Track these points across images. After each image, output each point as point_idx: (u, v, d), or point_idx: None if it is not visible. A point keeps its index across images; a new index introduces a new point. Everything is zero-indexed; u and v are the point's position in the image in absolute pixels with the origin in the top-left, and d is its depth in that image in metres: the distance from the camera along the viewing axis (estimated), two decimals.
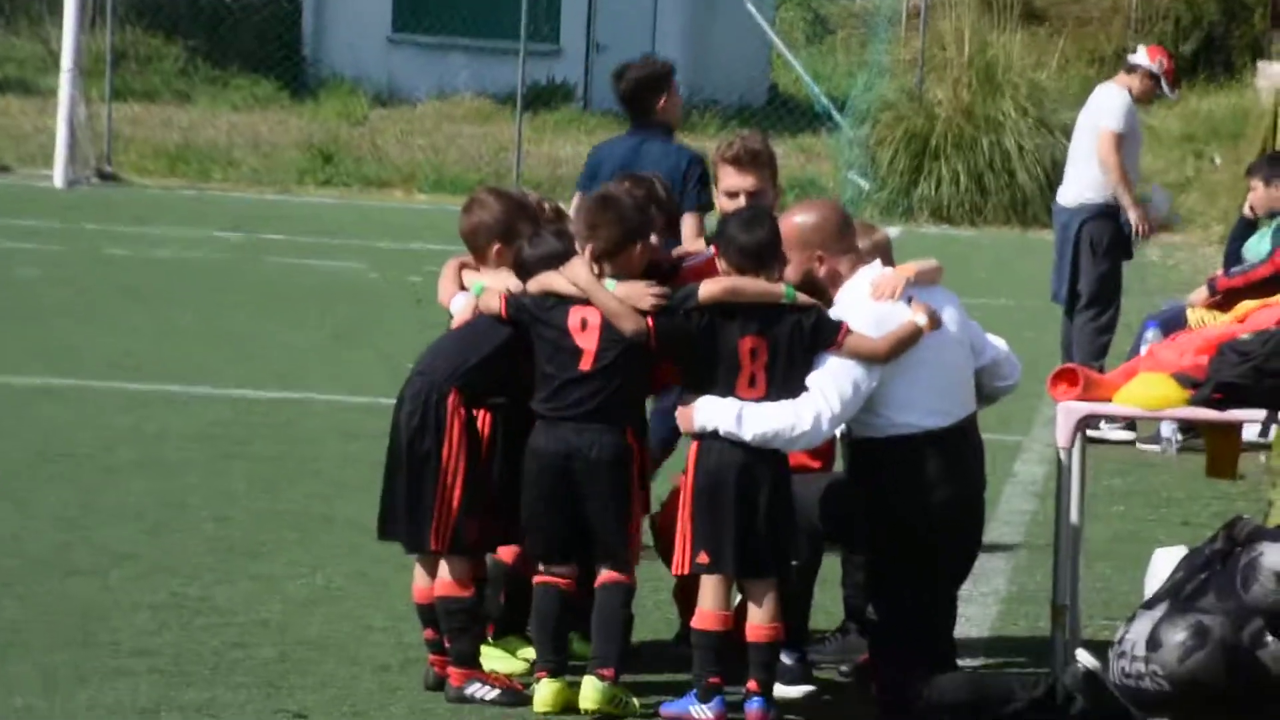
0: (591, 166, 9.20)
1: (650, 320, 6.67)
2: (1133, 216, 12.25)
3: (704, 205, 8.79)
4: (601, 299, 6.67)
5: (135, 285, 16.98)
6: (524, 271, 6.88)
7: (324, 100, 30.33)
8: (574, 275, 6.73)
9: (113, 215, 22.00)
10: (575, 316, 6.73)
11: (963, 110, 24.03)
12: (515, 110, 26.48)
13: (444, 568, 6.81)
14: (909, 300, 6.79)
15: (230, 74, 31.48)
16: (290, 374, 13.23)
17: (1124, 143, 12.27)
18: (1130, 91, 12.41)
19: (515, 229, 6.99)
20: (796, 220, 6.90)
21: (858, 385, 6.67)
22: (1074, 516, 7.12)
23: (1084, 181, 12.43)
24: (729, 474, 6.60)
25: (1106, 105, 12.44)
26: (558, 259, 6.82)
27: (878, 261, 6.95)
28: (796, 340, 6.65)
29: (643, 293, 6.69)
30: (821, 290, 6.83)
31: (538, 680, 6.70)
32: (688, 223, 8.65)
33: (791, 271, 6.82)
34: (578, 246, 6.81)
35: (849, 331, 6.68)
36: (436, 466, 6.77)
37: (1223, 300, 11.43)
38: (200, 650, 7.24)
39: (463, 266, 7.15)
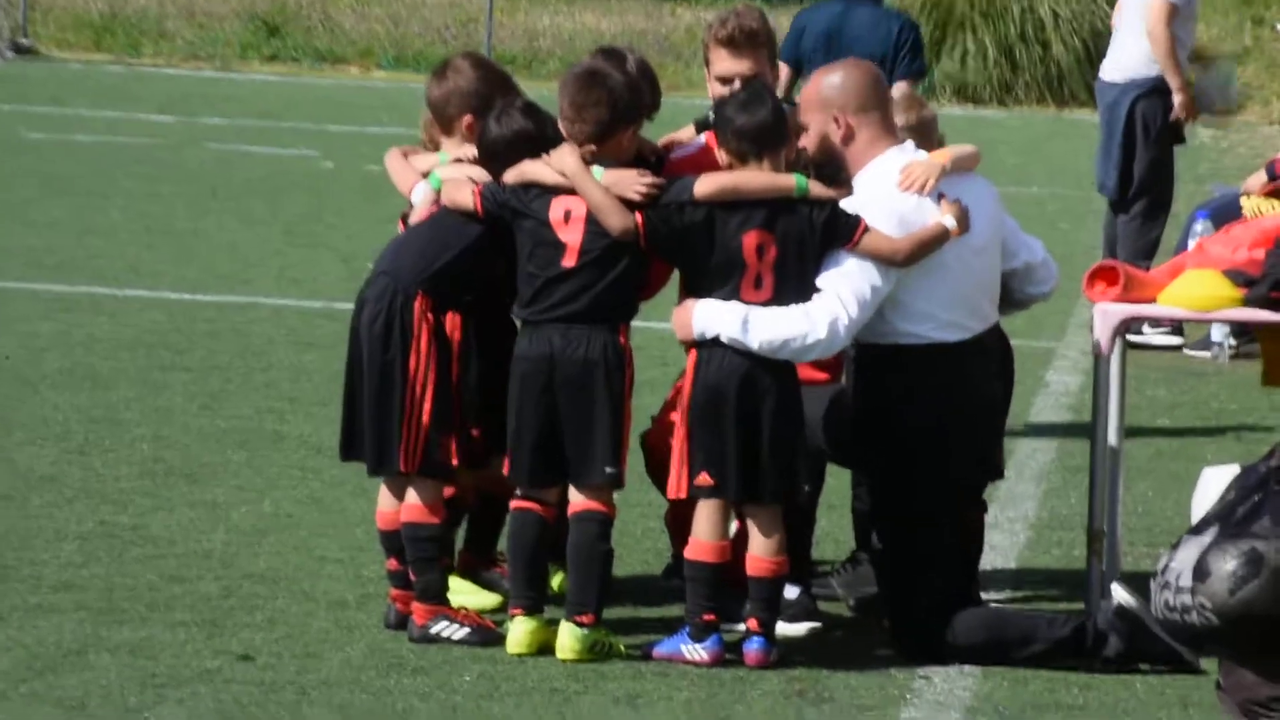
0: (795, 33, 9.95)
1: (640, 215, 6.68)
2: (1176, 100, 12.16)
3: (917, 72, 9.65)
4: (589, 190, 6.67)
5: (57, 174, 16.97)
6: (490, 152, 6.86)
7: None
8: (561, 163, 6.73)
9: (30, 94, 21.95)
10: (558, 208, 6.74)
11: None
12: None
13: (411, 491, 6.85)
14: (939, 196, 6.79)
15: None
16: (235, 275, 13.25)
17: (1177, 13, 12.18)
18: None
19: (492, 100, 6.99)
20: (820, 80, 6.91)
21: (876, 288, 6.70)
22: (1112, 432, 7.16)
23: (1133, 54, 12.34)
24: (731, 386, 6.62)
25: None
26: (528, 141, 6.81)
27: (910, 143, 6.95)
28: (808, 237, 6.66)
29: (632, 182, 6.69)
30: (840, 165, 6.82)
31: (512, 618, 6.74)
32: (899, 90, 9.01)
33: (809, 137, 6.81)
34: (562, 129, 6.79)
35: (866, 229, 6.69)
36: (403, 377, 6.80)
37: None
38: (133, 584, 7.28)
39: (405, 154, 7.15)
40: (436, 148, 7.18)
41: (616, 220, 6.67)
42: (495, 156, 6.84)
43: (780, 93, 9.98)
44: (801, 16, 10.21)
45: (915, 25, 10.04)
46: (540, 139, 6.81)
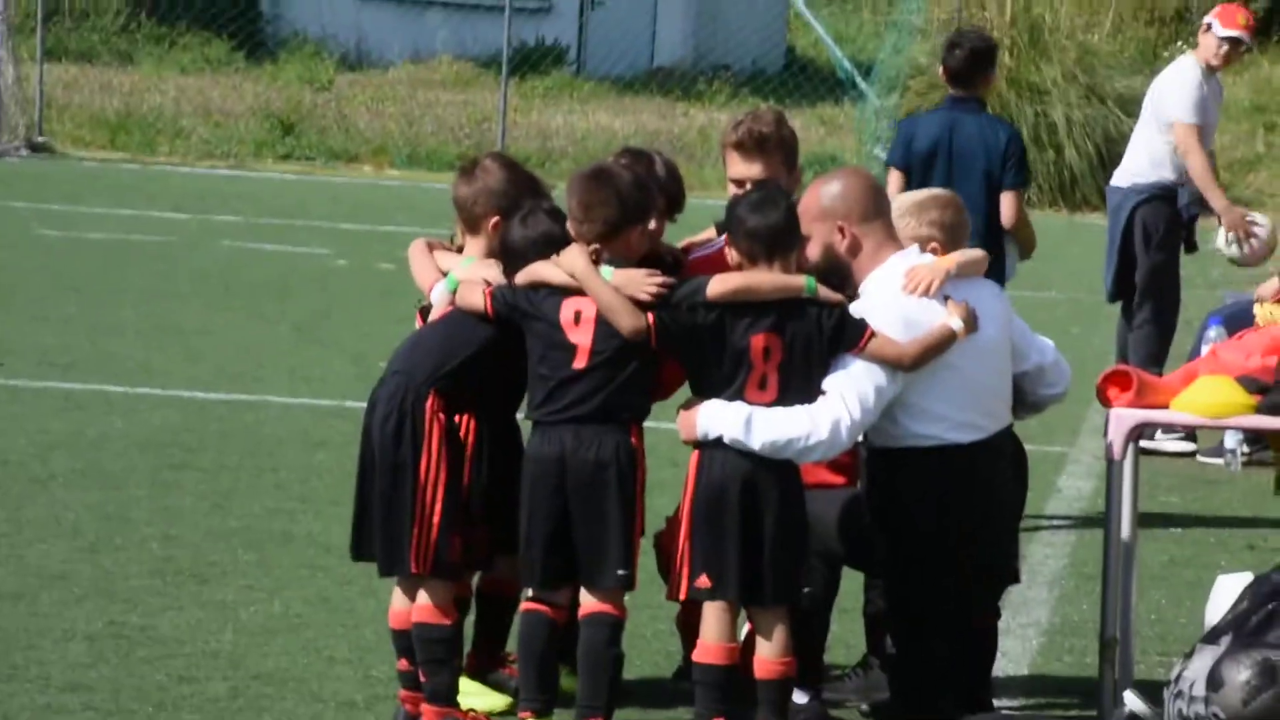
0: (904, 140, 10.39)
1: (650, 316, 6.70)
2: (1224, 219, 12.20)
3: (1022, 183, 10.14)
4: (598, 291, 6.69)
5: (70, 271, 17.02)
6: (512, 255, 6.88)
7: (284, 63, 30.39)
8: (569, 263, 6.76)
9: (44, 191, 22.03)
10: (569, 309, 6.76)
11: (1005, 76, 24.07)
12: (500, 75, 26.52)
13: (423, 593, 6.85)
14: (945, 299, 6.81)
15: (178, 32, 31.54)
16: (246, 374, 13.27)
17: (1203, 132, 12.23)
18: (1206, 64, 12.34)
19: (519, 202, 7.00)
20: (820, 189, 6.93)
21: (880, 390, 6.71)
22: (1125, 538, 7.16)
23: (1139, 159, 12.42)
24: (733, 487, 6.64)
25: (1176, 87, 12.33)
26: (553, 244, 6.83)
27: (915, 248, 6.98)
28: (815, 340, 6.68)
29: (642, 282, 6.71)
30: (845, 271, 6.85)
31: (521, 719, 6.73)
32: (1007, 201, 10.09)
33: (813, 248, 6.84)
34: (570, 229, 6.82)
35: (873, 334, 6.71)
36: (414, 478, 6.81)
37: None
38: (141, 685, 7.27)
39: (430, 247, 7.18)
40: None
41: (627, 320, 6.68)
42: (518, 259, 6.86)
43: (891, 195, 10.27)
44: (907, 124, 10.82)
45: (1019, 136, 10.45)
46: (565, 241, 6.82)
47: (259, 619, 8.14)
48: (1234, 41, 12.30)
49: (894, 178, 10.38)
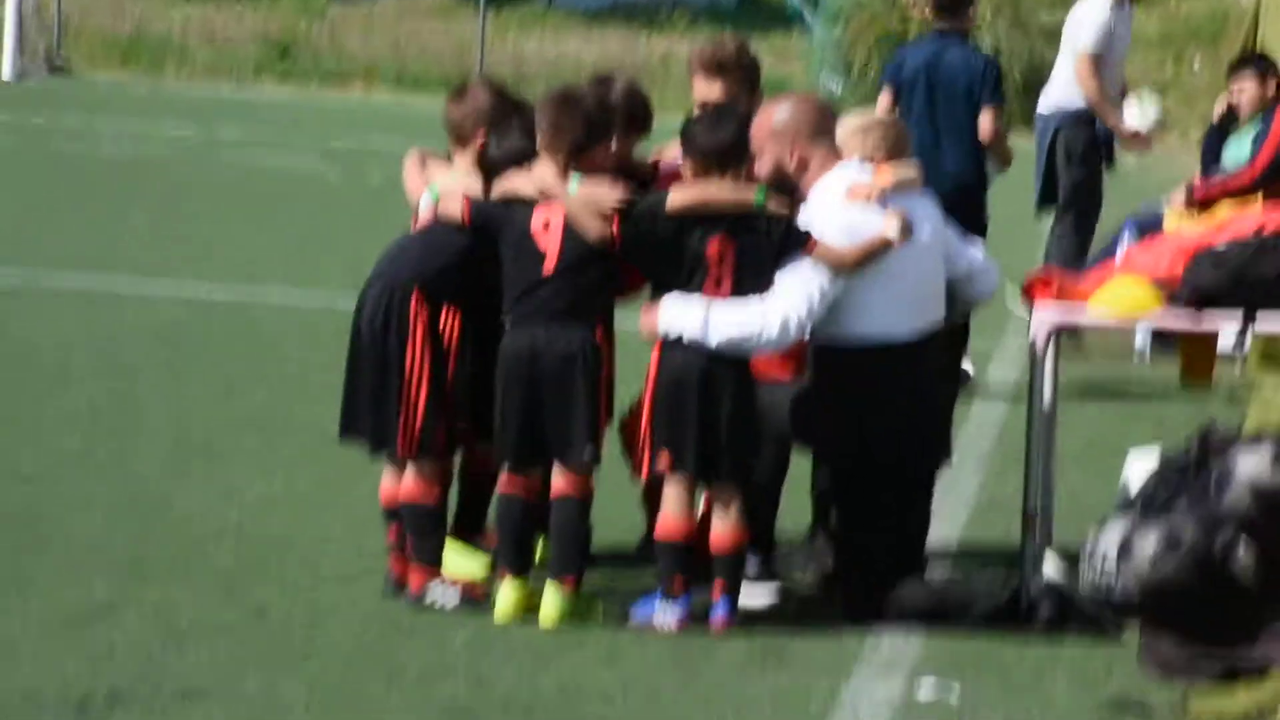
0: (895, 65, 10.97)
1: (615, 224, 6.71)
2: (1120, 139, 12.33)
3: (999, 101, 10.73)
4: (565, 201, 6.71)
5: (87, 181, 16.94)
6: (490, 170, 6.90)
7: None
8: (539, 177, 6.77)
9: (63, 109, 21.90)
10: (539, 217, 6.76)
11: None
12: (479, 6, 26.35)
13: (410, 471, 6.87)
14: (884, 207, 6.83)
15: None
16: (249, 274, 13.25)
17: (1102, 61, 12.29)
18: None
19: (507, 122, 7.00)
20: (771, 112, 6.93)
21: (824, 290, 6.74)
22: (1046, 423, 7.19)
23: (1061, 86, 12.47)
24: (692, 377, 6.66)
25: (1085, 20, 12.42)
26: (525, 157, 6.84)
27: (855, 161, 6.99)
28: (765, 247, 6.70)
29: (606, 194, 6.72)
30: (793, 186, 6.87)
31: (500, 579, 6.77)
32: (985, 117, 10.68)
33: (764, 165, 6.85)
34: (539, 146, 6.82)
35: (817, 243, 6.73)
36: (400, 369, 6.82)
37: (1201, 205, 11.44)
38: (157, 552, 7.28)
39: (424, 159, 7.17)
40: None
41: (593, 228, 6.70)
42: (495, 173, 6.87)
43: (880, 114, 10.54)
44: (901, 50, 11.41)
45: (997, 63, 11.02)
46: (536, 157, 6.83)
47: (262, 496, 8.15)
48: None
49: (884, 97, 10.93)
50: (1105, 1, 12.34)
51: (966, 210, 10.79)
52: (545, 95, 6.88)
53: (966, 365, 10.77)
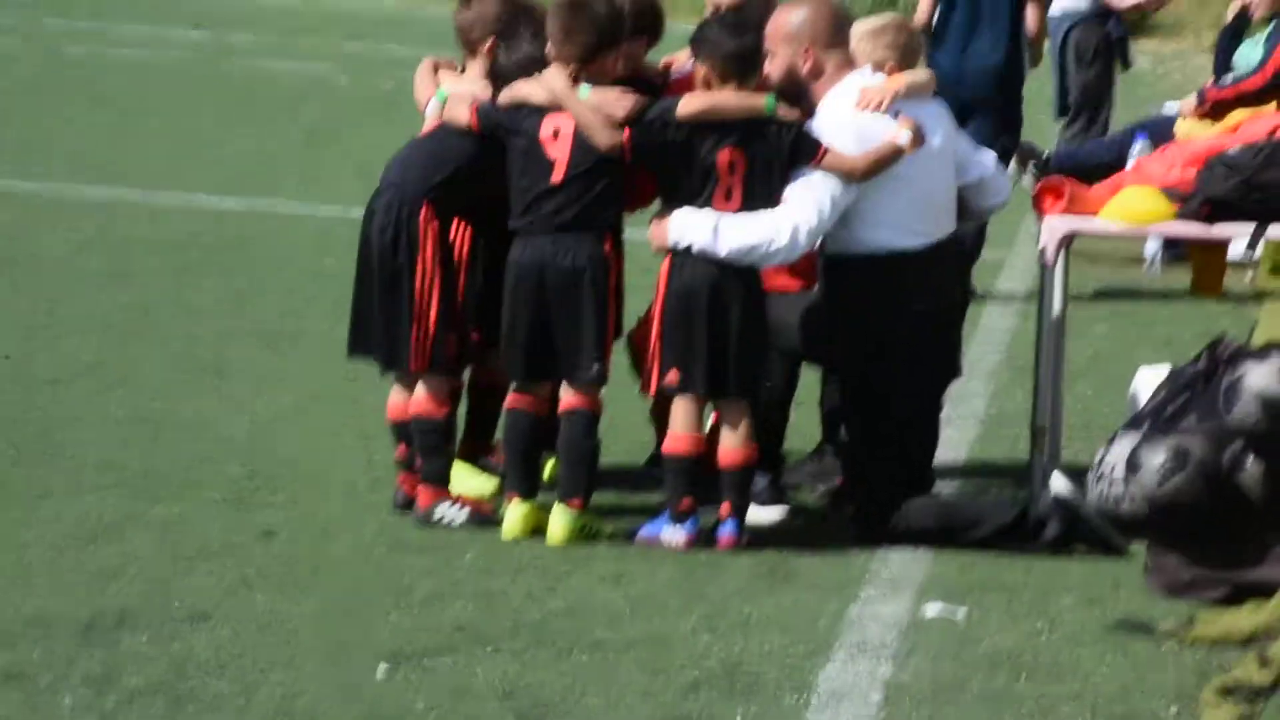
0: None
1: (625, 132, 6.63)
2: (1119, 6, 12.29)
3: None
4: (576, 109, 6.63)
5: (96, 86, 16.86)
6: (500, 79, 6.82)
7: None
8: (549, 83, 6.69)
9: (71, 11, 21.77)
10: (548, 125, 6.69)
11: None
12: None
13: (420, 386, 6.83)
14: (896, 115, 6.75)
15: None
16: (260, 181, 13.19)
17: None
18: None
19: (515, 29, 6.92)
20: (787, 15, 6.85)
21: (835, 199, 6.67)
22: (1055, 336, 7.14)
23: None
24: (701, 291, 6.60)
25: None
26: (535, 65, 6.76)
27: (868, 68, 6.91)
28: (775, 154, 6.63)
29: (617, 101, 6.64)
30: (804, 90, 6.79)
31: (508, 502, 6.74)
32: (1032, 8, 10.84)
33: (776, 67, 6.77)
34: (550, 53, 6.74)
35: (827, 150, 6.66)
36: (411, 283, 6.77)
37: (1213, 111, 11.36)
38: (166, 466, 7.27)
39: (436, 66, 7.09)
40: None
41: (603, 137, 6.62)
42: (506, 81, 6.78)
43: (920, 18, 10.65)
44: None
45: None
46: (545, 62, 6.74)
47: (271, 409, 8.12)
48: None
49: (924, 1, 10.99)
50: None
51: (1006, 100, 10.87)
52: (554, 3, 6.79)
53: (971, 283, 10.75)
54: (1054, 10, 12.55)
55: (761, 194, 6.62)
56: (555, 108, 6.67)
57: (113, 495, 6.89)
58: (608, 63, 6.71)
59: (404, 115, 7.29)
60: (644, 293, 6.97)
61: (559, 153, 6.66)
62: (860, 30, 7.10)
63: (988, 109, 10.70)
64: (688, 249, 6.62)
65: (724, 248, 6.59)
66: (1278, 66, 11.28)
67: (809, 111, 6.75)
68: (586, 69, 6.67)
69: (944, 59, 10.78)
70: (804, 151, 6.64)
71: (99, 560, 6.27)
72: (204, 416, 7.94)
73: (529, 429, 6.74)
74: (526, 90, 6.70)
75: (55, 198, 12.23)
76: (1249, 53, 11.86)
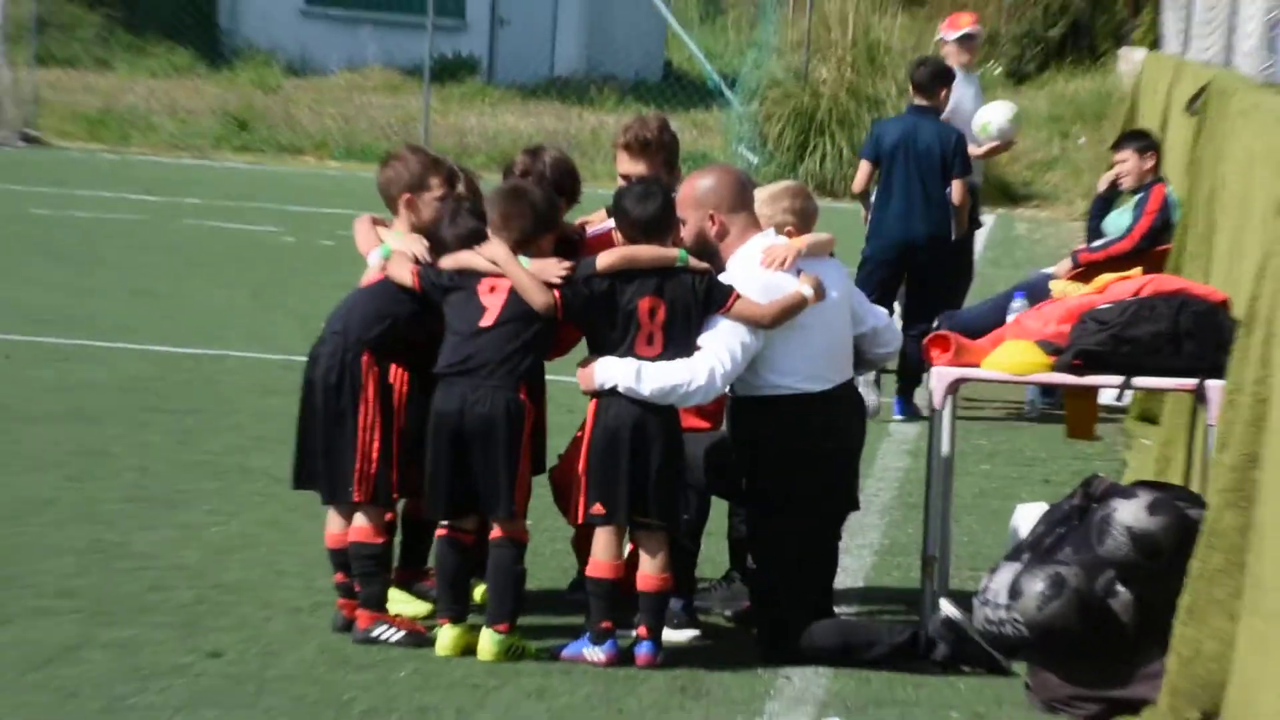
0: (876, 138, 11.58)
1: (557, 293, 6.72)
2: (977, 156, 12.67)
3: (965, 172, 11.39)
4: (516, 275, 6.73)
5: (57, 244, 16.83)
6: (442, 245, 6.92)
7: (239, 69, 30.08)
8: (492, 253, 6.78)
9: (36, 177, 21.76)
10: (485, 284, 6.78)
11: (846, 89, 24.15)
12: (423, 82, 26.37)
13: (359, 516, 6.84)
14: (798, 272, 6.86)
15: (148, 42, 31.16)
16: (209, 331, 13.17)
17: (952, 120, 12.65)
18: (958, 66, 12.89)
19: (426, 181, 7.03)
20: (695, 182, 6.96)
21: (745, 345, 6.76)
22: (944, 474, 7.22)
23: None
24: (625, 428, 6.66)
25: None
26: (476, 238, 6.86)
27: (771, 230, 7.03)
28: (691, 300, 6.73)
29: (553, 267, 6.76)
30: (713, 252, 6.90)
31: (440, 626, 6.74)
32: (958, 186, 11.36)
33: (688, 232, 6.88)
34: (490, 234, 6.84)
35: (738, 297, 6.76)
36: (355, 421, 6.80)
37: (1084, 272, 11.53)
38: (121, 592, 7.24)
39: (374, 222, 7.17)
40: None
41: (539, 297, 6.71)
42: (446, 248, 6.89)
43: (858, 186, 11.03)
44: (877, 126, 11.86)
45: (963, 137, 11.58)
46: (482, 235, 6.85)
47: (220, 538, 8.11)
48: (964, 39, 12.93)
49: (864, 168, 11.57)
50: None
51: (954, 260, 11.57)
52: (495, 189, 6.90)
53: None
54: None
55: (680, 339, 6.71)
56: (495, 274, 6.75)
57: (70, 620, 6.86)
58: (544, 244, 6.81)
59: (343, 269, 7.35)
60: (566, 432, 7.02)
61: (492, 302, 6.74)
62: (761, 196, 7.23)
63: (940, 270, 11.51)
64: (613, 390, 6.70)
65: (647, 388, 6.67)
66: (1142, 232, 11.49)
67: (719, 269, 6.86)
68: (523, 248, 6.77)
69: (887, 223, 11.50)
70: (717, 298, 6.74)
71: (57, 680, 6.24)
72: (156, 545, 7.92)
73: (457, 559, 6.76)
74: (470, 260, 6.80)
75: (15, 346, 12.18)
76: (1118, 219, 12.07)
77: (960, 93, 12.68)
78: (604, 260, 6.73)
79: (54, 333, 12.67)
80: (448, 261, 6.84)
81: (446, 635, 6.69)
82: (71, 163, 23.65)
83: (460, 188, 7.16)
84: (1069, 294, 9.41)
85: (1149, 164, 11.65)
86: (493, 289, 6.76)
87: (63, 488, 8.78)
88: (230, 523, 8.35)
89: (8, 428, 9.92)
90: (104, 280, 15.03)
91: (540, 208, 6.79)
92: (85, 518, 8.29)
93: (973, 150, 12.41)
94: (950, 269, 11.69)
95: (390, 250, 6.96)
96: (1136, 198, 11.78)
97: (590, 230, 7.27)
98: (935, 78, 11.61)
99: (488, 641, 6.64)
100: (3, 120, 24.44)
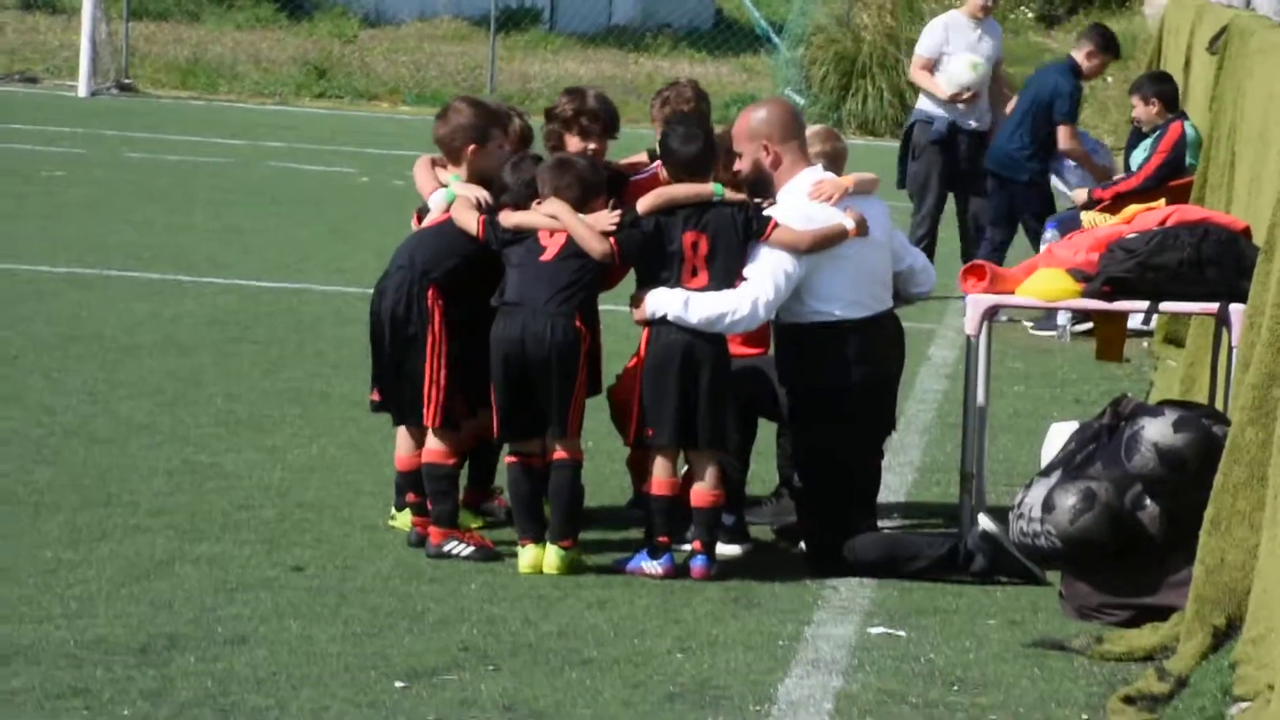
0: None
1: (613, 240, 6.67)
2: (943, 98, 12.65)
3: (1072, 117, 12.07)
4: (575, 227, 6.71)
5: (151, 186, 16.86)
6: (503, 190, 6.86)
7: (318, 21, 30.04)
8: (551, 209, 6.75)
9: (130, 123, 21.80)
10: (544, 234, 6.75)
11: (886, 33, 23.92)
12: (489, 31, 26.26)
13: (432, 438, 6.81)
14: (844, 208, 6.78)
15: None
16: (291, 266, 13.18)
17: (936, 64, 12.67)
18: (970, 15, 12.82)
19: (488, 132, 6.95)
20: (749, 115, 6.91)
21: (789, 274, 6.70)
22: (980, 395, 7.15)
23: (922, 97, 12.98)
24: (676, 355, 6.61)
25: (923, 31, 13.05)
26: (535, 186, 6.80)
27: (819, 165, 6.95)
28: (731, 231, 6.67)
29: (606, 218, 6.73)
30: (769, 180, 6.82)
31: (523, 546, 6.71)
32: (1063, 132, 12.06)
33: (745, 162, 6.81)
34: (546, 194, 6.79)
35: (776, 224, 6.69)
36: (422, 351, 6.76)
37: (1112, 204, 11.47)
38: (210, 511, 7.24)
39: (433, 163, 7.11)
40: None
41: (598, 245, 6.69)
42: (509, 193, 6.84)
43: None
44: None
45: (1079, 87, 12.28)
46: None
47: (302, 459, 8.10)
48: None
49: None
50: (950, 16, 12.91)
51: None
52: (544, 163, 6.86)
53: None
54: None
55: (723, 270, 6.65)
56: (555, 226, 6.72)
57: (163, 536, 6.86)
58: (594, 206, 6.78)
59: (414, 207, 7.32)
60: (621, 357, 6.98)
61: (552, 242, 6.71)
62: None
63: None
64: (663, 319, 6.63)
65: (694, 317, 6.61)
66: (1149, 170, 11.55)
67: (771, 200, 6.78)
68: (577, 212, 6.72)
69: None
70: (755, 227, 6.68)
71: (152, 592, 6.24)
72: (243, 467, 7.92)
73: (527, 481, 6.73)
74: (530, 219, 6.76)
75: (113, 281, 12.21)
76: (1140, 156, 12.00)
77: (961, 40, 12.70)
78: (644, 203, 6.70)
79: (149, 268, 12.69)
80: (510, 219, 6.78)
81: (527, 555, 6.67)
82: (164, 110, 23.68)
83: (517, 124, 7.08)
84: (1098, 224, 9.30)
85: (1154, 108, 11.80)
86: (552, 234, 6.72)
87: (157, 413, 8.79)
88: (311, 445, 8.34)
89: (108, 357, 9.94)
90: (194, 219, 15.05)
91: (587, 176, 6.78)
92: (178, 440, 8.30)
93: (943, 89, 12.44)
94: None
95: (454, 195, 6.90)
96: (1154, 136, 11.80)
97: (636, 175, 7.20)
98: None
99: (553, 557, 6.61)
100: (100, 70, 24.47)
